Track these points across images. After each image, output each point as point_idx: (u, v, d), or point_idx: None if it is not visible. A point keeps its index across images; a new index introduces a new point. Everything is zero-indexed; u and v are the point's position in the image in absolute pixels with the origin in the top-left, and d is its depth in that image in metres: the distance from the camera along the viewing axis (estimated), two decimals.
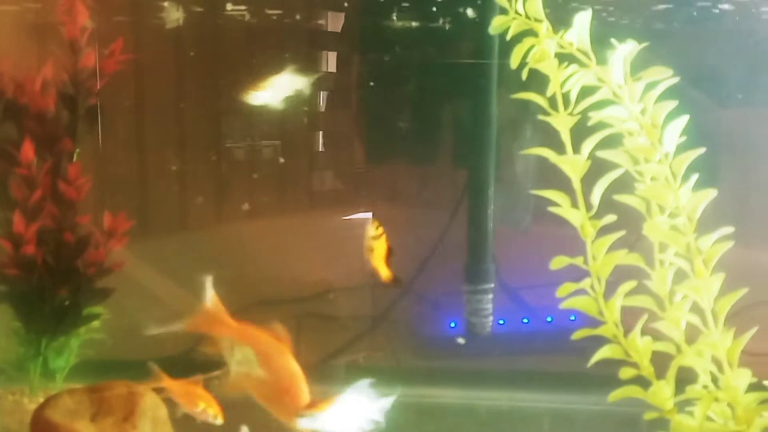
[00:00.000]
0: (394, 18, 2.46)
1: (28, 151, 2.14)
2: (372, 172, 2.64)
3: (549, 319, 2.96)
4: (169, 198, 2.87)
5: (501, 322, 2.78)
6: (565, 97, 1.70)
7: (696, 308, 1.70)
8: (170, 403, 1.95)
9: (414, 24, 2.46)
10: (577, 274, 1.82)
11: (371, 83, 2.55)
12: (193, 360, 2.72)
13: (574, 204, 1.68)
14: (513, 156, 2.57)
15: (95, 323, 2.30)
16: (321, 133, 2.78)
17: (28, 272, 2.17)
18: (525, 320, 2.95)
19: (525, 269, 2.71)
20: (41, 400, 2.21)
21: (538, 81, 1.71)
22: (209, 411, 1.92)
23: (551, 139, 2.61)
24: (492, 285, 2.54)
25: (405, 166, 2.59)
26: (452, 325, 2.84)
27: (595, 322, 2.77)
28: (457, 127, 2.62)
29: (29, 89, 2.18)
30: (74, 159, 2.22)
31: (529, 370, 2.69)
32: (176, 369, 2.64)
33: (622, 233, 1.65)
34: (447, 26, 2.42)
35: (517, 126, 2.56)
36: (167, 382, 1.94)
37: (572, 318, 2.90)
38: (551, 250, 2.68)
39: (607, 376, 1.84)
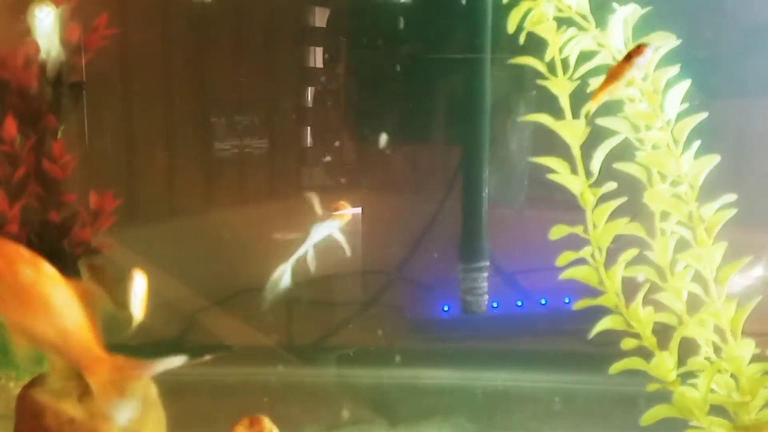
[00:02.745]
0: None
1: (10, 127, 2.08)
2: (360, 153, 2.60)
3: (543, 301, 2.93)
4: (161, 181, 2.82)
5: (495, 305, 2.74)
6: (564, 63, 1.67)
7: (698, 278, 1.67)
8: None
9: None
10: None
11: (359, 60, 2.51)
12: (181, 345, 2.71)
13: (574, 171, 1.64)
14: (506, 133, 2.53)
15: None
16: (309, 113, 2.73)
17: None
18: (519, 303, 2.91)
19: (519, 252, 2.68)
20: None
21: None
22: None
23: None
24: (487, 263, 2.49)
25: (396, 146, 2.53)
26: (445, 308, 2.80)
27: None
28: (450, 105, 2.57)
29: (11, 64, 2.11)
30: (58, 136, 2.16)
31: (523, 350, 2.66)
32: (164, 354, 2.62)
33: (623, 200, 1.61)
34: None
35: (511, 102, 2.52)
36: None
37: (566, 300, 2.88)
38: (545, 232, 2.68)
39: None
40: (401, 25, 2.41)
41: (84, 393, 1.75)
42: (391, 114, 2.48)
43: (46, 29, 1.90)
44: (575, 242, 1.68)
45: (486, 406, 2.39)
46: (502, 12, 1.71)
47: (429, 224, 2.60)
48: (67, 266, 2.16)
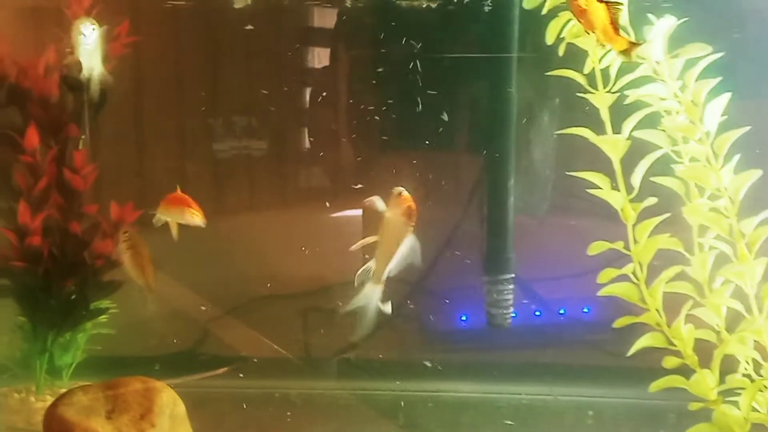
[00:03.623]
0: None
1: (32, 137, 2.05)
2: (386, 160, 2.56)
3: (561, 311, 2.90)
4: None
5: (513, 314, 2.71)
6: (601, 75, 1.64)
7: (738, 294, 1.64)
8: None
9: (431, 6, 2.38)
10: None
11: (383, 69, 2.48)
12: (196, 356, 2.67)
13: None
14: (531, 142, 2.50)
15: (102, 318, 2.21)
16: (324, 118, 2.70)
17: (34, 265, 2.08)
18: (537, 313, 2.88)
19: (539, 260, 2.65)
20: (48, 398, 2.14)
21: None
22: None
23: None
24: (513, 275, 2.46)
25: (421, 154, 2.51)
26: (463, 318, 2.77)
27: (607, 314, 2.74)
28: (475, 114, 2.55)
29: (32, 73, 2.08)
30: (80, 146, 2.13)
31: (542, 362, 2.63)
32: (180, 365, 2.59)
33: (666, 215, 1.58)
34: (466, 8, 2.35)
35: (536, 111, 2.49)
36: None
37: (585, 310, 2.84)
38: (566, 241, 2.65)
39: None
40: (428, 33, 2.38)
41: (112, 410, 1.72)
42: (415, 123, 2.45)
43: (89, 47, 1.88)
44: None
45: (511, 421, 2.36)
46: (532, 20, 1.69)
47: (451, 234, 2.57)
48: (87, 277, 2.15)
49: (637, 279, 1.60)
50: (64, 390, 2.15)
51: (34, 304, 2.12)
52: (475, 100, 2.53)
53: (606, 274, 1.57)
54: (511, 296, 2.46)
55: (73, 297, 2.14)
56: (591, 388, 2.48)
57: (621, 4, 1.47)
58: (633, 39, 1.47)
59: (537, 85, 2.43)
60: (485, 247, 2.50)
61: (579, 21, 1.45)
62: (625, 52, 1.46)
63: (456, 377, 2.55)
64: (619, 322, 1.61)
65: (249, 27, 2.50)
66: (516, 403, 2.44)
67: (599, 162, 1.76)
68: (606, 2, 1.42)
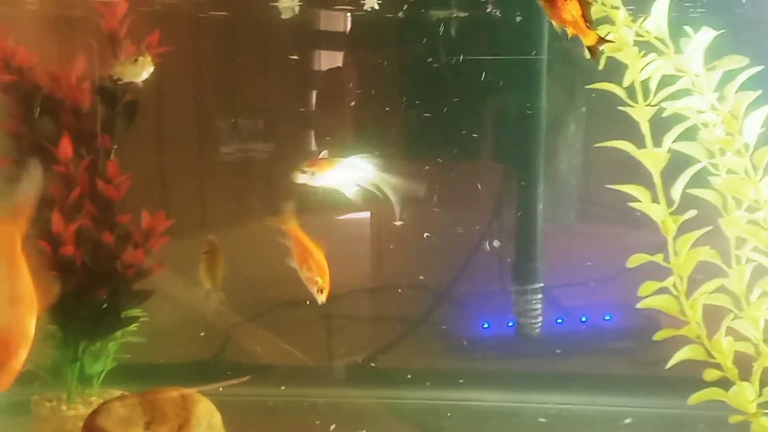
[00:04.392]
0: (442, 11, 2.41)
1: (66, 147, 2.05)
2: (413, 170, 2.57)
3: (583, 318, 2.90)
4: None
5: (510, 323, 2.71)
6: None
7: None
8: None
9: (463, 16, 2.39)
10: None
11: (414, 78, 2.49)
12: (219, 364, 2.68)
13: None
14: (558, 152, 2.50)
15: (132, 326, 2.22)
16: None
17: (66, 274, 2.08)
18: (559, 320, 2.88)
19: (562, 267, 2.65)
20: (79, 406, 2.15)
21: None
22: (318, 281, 1.73)
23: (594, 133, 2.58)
24: (541, 284, 2.47)
25: (449, 164, 2.51)
26: (485, 326, 2.77)
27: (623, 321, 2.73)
28: (504, 123, 2.55)
29: (65, 84, 2.09)
30: (112, 156, 2.14)
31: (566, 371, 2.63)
32: (204, 373, 2.59)
33: (708, 228, 1.58)
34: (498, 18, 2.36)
35: (562, 119, 2.50)
36: (293, 229, 1.77)
37: (607, 318, 2.84)
38: (589, 248, 2.65)
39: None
40: (456, 42, 2.38)
41: (150, 421, 1.73)
42: (443, 131, 2.45)
43: (138, 73, 1.94)
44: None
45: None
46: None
47: (478, 241, 2.57)
48: (119, 287, 2.16)
49: (677, 291, 1.60)
50: (94, 398, 2.17)
51: (65, 313, 2.12)
52: (504, 109, 2.53)
53: (647, 287, 1.57)
54: (539, 305, 2.46)
55: (105, 306, 2.15)
56: (616, 397, 2.47)
57: None
58: (602, 35, 1.47)
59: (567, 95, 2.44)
60: (514, 256, 2.50)
61: (549, 15, 1.46)
62: (594, 48, 1.47)
63: (481, 386, 2.55)
64: (660, 335, 1.61)
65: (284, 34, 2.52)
66: (543, 413, 2.44)
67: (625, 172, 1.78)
68: None
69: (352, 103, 2.59)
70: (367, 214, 2.71)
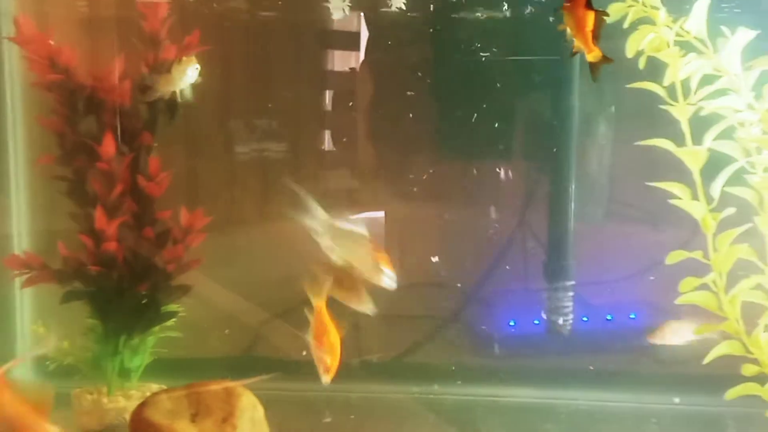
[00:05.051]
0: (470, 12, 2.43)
1: (109, 145, 2.10)
2: (444, 169, 2.60)
3: (609, 317, 2.91)
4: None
5: (536, 321, 2.73)
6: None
7: None
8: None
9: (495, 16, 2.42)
10: None
11: (447, 78, 2.52)
12: (252, 359, 2.71)
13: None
14: (589, 150, 2.53)
15: (170, 321, 2.26)
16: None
17: (109, 269, 2.12)
18: (584, 318, 2.89)
19: (587, 266, 2.66)
20: (119, 399, 2.19)
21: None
22: (326, 361, 1.70)
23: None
24: (573, 282, 2.49)
25: (479, 163, 2.54)
26: (511, 323, 2.79)
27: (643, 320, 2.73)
28: (536, 122, 2.58)
29: (108, 83, 2.13)
30: (152, 153, 2.17)
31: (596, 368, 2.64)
32: (236, 369, 2.62)
33: (748, 225, 1.60)
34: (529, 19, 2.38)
35: (592, 117, 2.52)
36: (320, 305, 1.72)
37: (632, 316, 2.85)
38: (616, 246, 2.67)
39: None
40: (488, 42, 2.41)
41: (196, 413, 1.77)
42: (476, 131, 2.48)
43: (188, 79, 1.98)
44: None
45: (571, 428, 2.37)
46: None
47: (509, 239, 2.59)
48: (159, 282, 2.19)
49: (716, 288, 1.62)
50: (134, 391, 2.21)
51: (107, 308, 2.17)
52: (535, 109, 2.56)
53: (687, 283, 1.59)
54: (570, 303, 2.48)
55: (145, 301, 2.19)
56: (640, 394, 2.48)
57: (608, 15, 1.52)
58: (605, 55, 1.51)
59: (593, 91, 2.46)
60: (545, 253, 2.53)
61: (566, 21, 1.49)
62: (595, 64, 1.51)
63: (514, 382, 2.57)
64: (700, 330, 1.63)
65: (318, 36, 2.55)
66: (574, 409, 2.46)
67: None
68: (596, 11, 1.47)
69: (392, 104, 2.62)
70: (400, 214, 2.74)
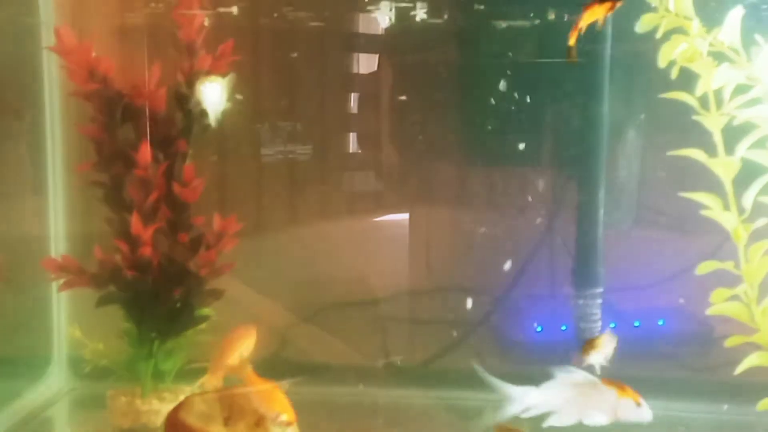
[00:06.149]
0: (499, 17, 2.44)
1: (145, 152, 2.14)
2: (473, 175, 2.62)
3: (636, 323, 2.90)
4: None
5: (563, 327, 2.73)
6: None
7: None
8: None
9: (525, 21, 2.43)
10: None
11: (474, 84, 2.53)
12: (275, 363, 2.74)
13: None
14: (617, 156, 2.53)
15: (202, 325, 2.30)
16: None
17: (144, 274, 2.16)
18: (612, 325, 2.89)
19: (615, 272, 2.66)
20: (153, 401, 2.23)
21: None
22: (282, 416, 1.79)
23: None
24: (602, 289, 2.49)
25: (508, 168, 2.55)
26: (538, 329, 2.79)
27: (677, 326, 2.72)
28: (565, 128, 2.59)
29: (144, 91, 2.17)
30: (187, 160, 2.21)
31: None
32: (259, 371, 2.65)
33: None
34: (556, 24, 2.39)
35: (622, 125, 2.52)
36: (250, 377, 1.87)
37: (660, 323, 2.84)
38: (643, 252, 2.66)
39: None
40: (518, 50, 2.42)
41: (229, 417, 1.80)
42: (505, 136, 2.49)
43: (217, 97, 2.00)
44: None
45: None
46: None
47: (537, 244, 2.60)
48: (193, 286, 2.23)
49: (748, 299, 1.62)
50: (167, 394, 2.25)
51: (141, 312, 2.21)
52: (566, 115, 2.57)
53: (719, 294, 1.59)
54: (599, 310, 2.48)
55: (179, 305, 2.23)
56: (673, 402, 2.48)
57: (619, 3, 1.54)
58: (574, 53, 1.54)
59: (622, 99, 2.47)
60: (574, 260, 2.53)
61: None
62: (570, 50, 1.52)
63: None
64: (732, 341, 1.63)
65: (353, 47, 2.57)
66: None
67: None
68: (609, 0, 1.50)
69: (421, 109, 2.64)
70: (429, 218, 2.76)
